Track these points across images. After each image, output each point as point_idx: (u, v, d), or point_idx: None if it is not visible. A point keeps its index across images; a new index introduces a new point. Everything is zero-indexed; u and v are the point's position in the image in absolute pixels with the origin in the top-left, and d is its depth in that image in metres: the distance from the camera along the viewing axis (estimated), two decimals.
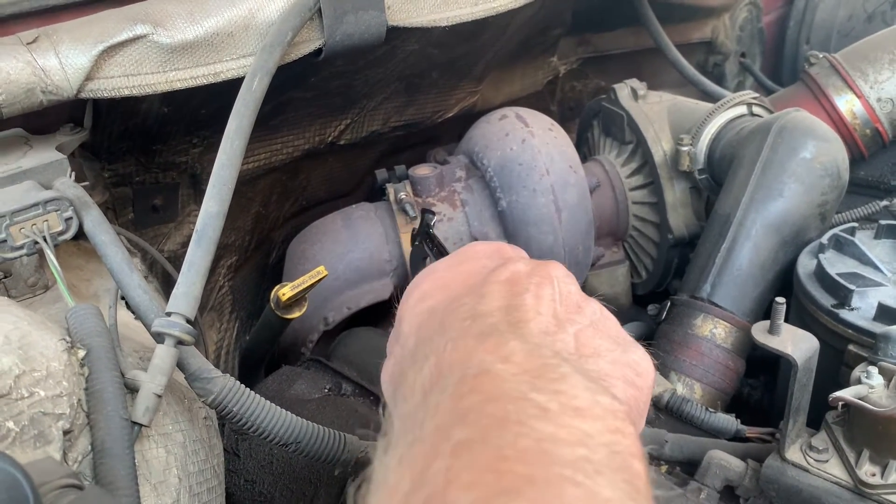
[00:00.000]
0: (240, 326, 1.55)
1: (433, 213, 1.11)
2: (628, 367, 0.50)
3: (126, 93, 0.87)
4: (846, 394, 0.80)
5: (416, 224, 1.35)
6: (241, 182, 1.30)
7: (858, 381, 0.84)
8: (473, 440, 0.35)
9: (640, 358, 0.51)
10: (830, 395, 0.81)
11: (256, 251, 1.58)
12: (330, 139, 1.41)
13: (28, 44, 0.82)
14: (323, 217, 1.47)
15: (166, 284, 1.30)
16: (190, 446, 0.84)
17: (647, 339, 1.24)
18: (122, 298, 0.96)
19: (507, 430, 0.35)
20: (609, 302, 1.66)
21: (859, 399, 0.80)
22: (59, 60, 0.83)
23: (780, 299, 0.85)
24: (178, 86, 0.90)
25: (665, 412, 1.06)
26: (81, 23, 0.86)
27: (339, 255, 1.40)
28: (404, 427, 0.40)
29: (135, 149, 1.16)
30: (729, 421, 1.04)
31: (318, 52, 0.99)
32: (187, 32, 0.88)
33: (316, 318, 1.40)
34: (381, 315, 1.51)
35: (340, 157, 1.53)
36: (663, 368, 1.14)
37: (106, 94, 0.87)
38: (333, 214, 1.46)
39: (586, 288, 1.54)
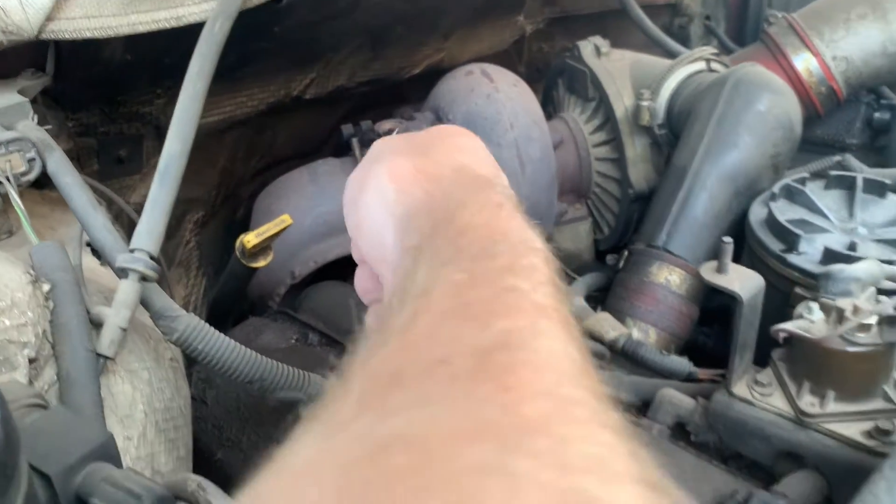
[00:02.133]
0: (207, 282, 1.56)
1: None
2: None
3: (87, 35, 0.87)
4: (787, 325, 0.84)
5: None
6: (207, 135, 1.31)
7: (800, 318, 0.88)
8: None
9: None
10: (772, 327, 0.85)
11: (223, 207, 1.59)
12: (295, 93, 1.42)
13: None
14: (289, 172, 1.48)
15: (131, 235, 1.31)
16: (156, 384, 0.86)
17: (606, 287, 1.27)
18: (88, 245, 0.98)
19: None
20: (572, 258, 1.70)
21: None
22: (20, 0, 0.83)
23: (727, 239, 0.89)
24: (140, 29, 0.90)
25: (620, 355, 1.10)
26: None
27: (306, 209, 1.41)
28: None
29: (99, 98, 1.16)
30: (682, 363, 1.08)
31: None
32: None
33: (283, 271, 1.41)
34: (348, 269, 1.52)
35: (307, 113, 1.54)
36: (619, 314, 1.17)
37: (67, 36, 0.87)
38: (300, 169, 1.47)
39: (550, 244, 1.56)
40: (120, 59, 1.06)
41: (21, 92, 0.93)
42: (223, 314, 1.36)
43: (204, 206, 1.48)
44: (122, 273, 0.78)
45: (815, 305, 0.87)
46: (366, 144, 1.42)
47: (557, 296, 0.41)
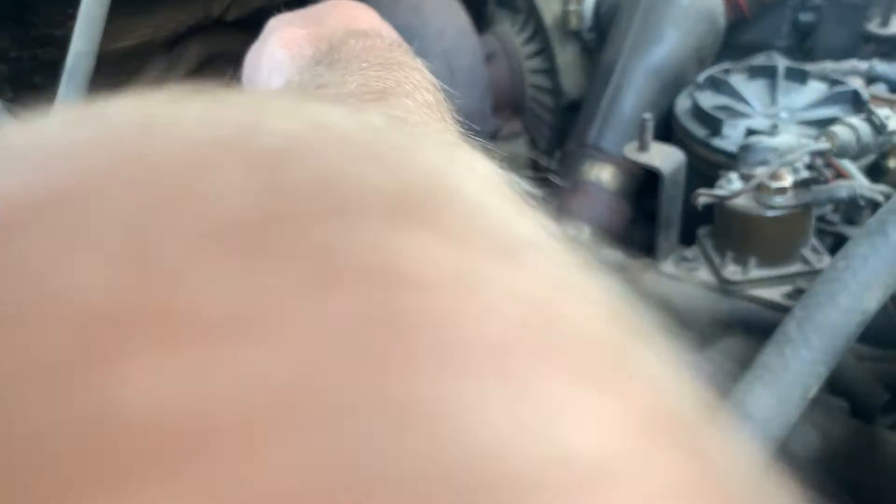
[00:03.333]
0: None
1: None
2: None
3: None
4: (707, 191, 0.85)
5: None
6: (124, 61, 1.27)
7: (721, 189, 0.89)
8: None
9: None
10: (693, 193, 0.86)
11: None
12: (216, 14, 1.38)
13: None
14: None
15: None
16: None
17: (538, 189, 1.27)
18: None
19: None
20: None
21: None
22: None
23: (647, 115, 0.90)
24: None
25: None
26: None
27: None
28: None
29: (7, 20, 1.11)
30: (615, 254, 1.09)
31: None
32: None
33: None
34: None
35: (230, 38, 1.50)
36: (555, 216, 1.18)
37: None
38: None
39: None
40: None
41: None
42: None
43: None
44: None
45: (734, 175, 0.88)
46: None
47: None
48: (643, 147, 0.90)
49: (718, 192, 0.85)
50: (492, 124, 1.51)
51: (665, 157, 0.89)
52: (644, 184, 1.17)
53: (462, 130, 0.52)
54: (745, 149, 0.92)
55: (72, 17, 1.19)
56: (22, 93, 1.21)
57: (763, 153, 0.90)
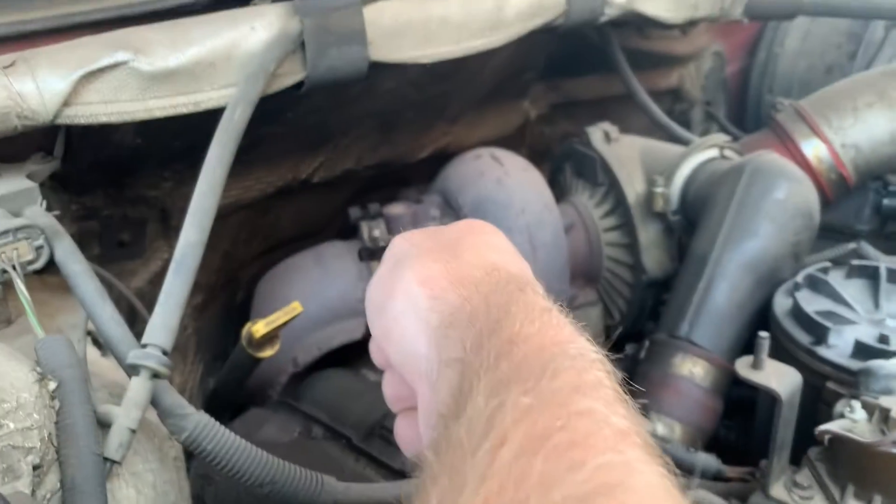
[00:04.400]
0: (204, 369, 1.50)
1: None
2: None
3: (104, 119, 0.85)
4: (832, 427, 0.80)
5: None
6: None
7: (841, 416, 0.84)
8: None
9: None
10: (816, 429, 0.81)
11: (223, 291, 1.55)
12: (304, 176, 1.40)
13: (4, 68, 0.80)
14: (293, 255, 1.44)
15: (131, 323, 1.26)
16: (160, 487, 0.81)
17: (625, 380, 1.23)
18: (89, 333, 0.93)
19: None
20: None
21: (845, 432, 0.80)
22: (37, 85, 0.80)
23: (764, 334, 0.86)
24: (158, 114, 0.88)
25: None
26: (60, 48, 0.84)
27: (311, 293, 1.38)
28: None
29: (105, 181, 1.13)
30: (710, 460, 1.03)
31: (299, 84, 0.99)
32: (168, 60, 0.87)
33: (284, 358, 1.36)
34: (351, 355, 1.48)
35: (312, 195, 1.52)
36: (642, 408, 1.13)
37: (83, 121, 0.85)
38: (305, 252, 1.44)
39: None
40: (130, 142, 1.04)
41: (29, 176, 0.90)
42: (222, 406, 1.31)
43: (203, 290, 1.44)
44: (132, 370, 0.73)
45: (856, 404, 0.83)
46: (374, 220, 1.39)
47: (631, 414, 0.41)
48: (758, 365, 0.86)
49: (842, 426, 0.80)
50: (567, 293, 1.48)
51: (782, 379, 0.84)
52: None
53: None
54: (866, 374, 0.87)
55: (167, 180, 1.21)
56: (108, 249, 1.22)
57: (886, 380, 0.85)
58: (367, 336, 1.41)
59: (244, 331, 1.09)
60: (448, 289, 0.52)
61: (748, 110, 2.16)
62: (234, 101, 0.87)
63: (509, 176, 1.38)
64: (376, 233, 1.37)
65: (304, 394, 1.34)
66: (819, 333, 1.02)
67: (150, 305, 1.32)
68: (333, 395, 1.31)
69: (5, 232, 0.79)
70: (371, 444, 1.15)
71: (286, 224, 1.55)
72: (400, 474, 1.08)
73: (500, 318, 0.46)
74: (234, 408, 1.36)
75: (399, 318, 0.53)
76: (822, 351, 1.00)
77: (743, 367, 0.87)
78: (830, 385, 0.98)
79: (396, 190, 1.63)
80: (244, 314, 1.61)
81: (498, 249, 0.58)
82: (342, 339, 1.39)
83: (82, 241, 1.17)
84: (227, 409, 1.33)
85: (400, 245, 0.60)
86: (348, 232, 1.51)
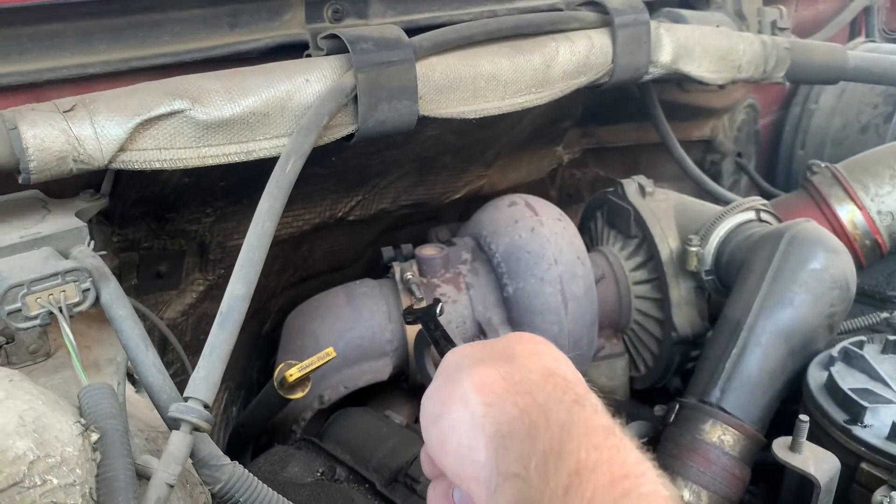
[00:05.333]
0: (228, 397, 1.51)
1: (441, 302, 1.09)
2: None
3: (157, 166, 0.86)
4: None
5: (422, 305, 1.34)
6: None
7: None
8: None
9: None
10: None
11: (251, 320, 1.55)
12: (340, 214, 1.41)
13: (65, 111, 0.81)
14: (324, 291, 1.45)
15: (163, 352, 1.27)
16: None
17: (653, 440, 1.22)
18: (130, 375, 0.94)
19: None
20: (606, 395, 1.65)
21: None
22: (95, 130, 0.81)
23: (804, 417, 0.85)
24: (210, 162, 0.89)
25: None
26: (119, 94, 0.85)
27: (340, 331, 1.38)
28: None
29: (147, 215, 1.14)
30: None
31: (349, 136, 1.00)
32: (224, 110, 0.88)
33: (311, 395, 1.36)
34: (375, 395, 1.48)
35: (345, 230, 1.53)
36: (670, 473, 1.12)
37: (136, 167, 0.86)
38: (336, 289, 1.44)
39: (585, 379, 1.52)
40: (177, 182, 1.05)
41: (78, 214, 0.91)
42: (246, 440, 1.31)
43: None
44: (173, 423, 0.73)
45: (895, 495, 0.82)
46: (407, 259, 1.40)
47: None
48: (796, 448, 0.85)
49: None
50: (595, 345, 1.48)
51: (820, 463, 0.84)
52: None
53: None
54: None
55: (209, 216, 1.22)
56: (146, 280, 1.23)
57: None
58: (393, 377, 1.42)
59: (276, 372, 1.10)
60: (503, 395, 0.52)
61: (779, 164, 2.16)
62: (286, 153, 0.87)
63: (543, 225, 1.38)
64: (408, 274, 1.38)
65: (328, 432, 1.34)
66: (854, 412, 1.01)
67: (182, 336, 1.34)
68: (358, 435, 1.30)
69: (55, 274, 0.80)
70: (395, 492, 1.14)
71: (317, 257, 1.56)
72: None
73: (563, 438, 0.46)
74: (256, 441, 1.36)
75: (456, 425, 0.53)
76: (857, 431, 0.99)
77: (781, 449, 0.86)
78: (865, 466, 0.97)
79: (426, 226, 1.64)
80: (270, 343, 1.62)
81: (551, 357, 0.58)
82: (368, 379, 1.39)
83: (121, 272, 1.18)
84: (250, 443, 1.34)
85: (453, 358, 0.61)
86: (378, 269, 1.51)
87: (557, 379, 0.52)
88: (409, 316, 0.82)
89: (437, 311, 0.87)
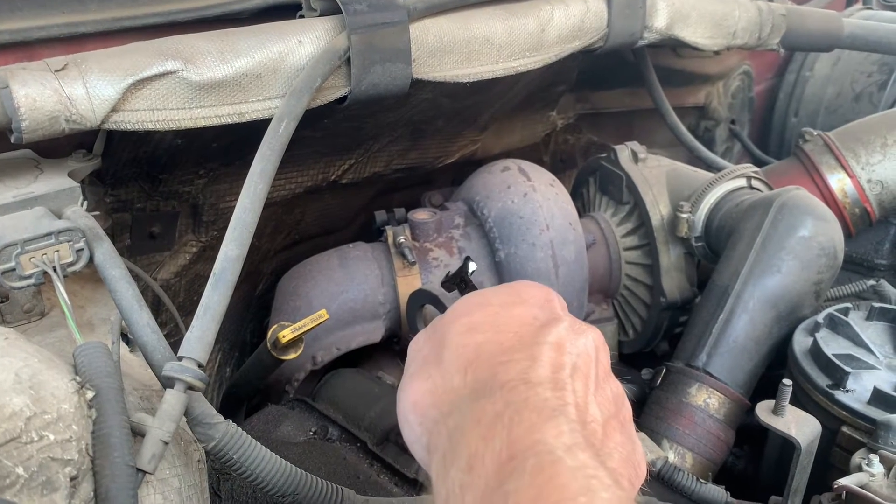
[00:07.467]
0: (222, 357, 1.52)
1: (472, 261, 1.09)
2: (633, 468, 0.57)
3: (150, 127, 0.86)
4: (849, 482, 0.81)
5: (417, 267, 1.35)
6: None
7: (858, 468, 0.85)
8: None
9: (641, 458, 0.59)
10: (834, 483, 0.82)
11: (244, 282, 1.56)
12: (333, 178, 1.41)
13: (56, 71, 0.81)
14: (317, 254, 1.46)
15: (156, 313, 1.28)
16: (185, 492, 0.82)
17: (640, 402, 1.24)
18: (124, 335, 0.94)
19: None
20: None
21: (860, 486, 0.82)
22: (87, 90, 0.81)
23: (787, 381, 0.87)
24: (203, 123, 0.89)
25: (657, 480, 1.06)
26: (111, 53, 0.85)
27: (333, 294, 1.39)
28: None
29: (140, 176, 1.14)
30: (719, 493, 1.04)
31: (342, 98, 0.99)
32: (216, 71, 0.87)
33: (304, 356, 1.38)
34: (367, 356, 1.49)
35: (337, 194, 1.53)
36: (655, 435, 1.14)
37: (129, 127, 0.85)
38: (329, 252, 1.45)
39: None
40: (170, 142, 1.05)
41: (71, 175, 0.91)
42: (239, 400, 1.33)
43: None
44: (168, 382, 0.74)
45: (874, 458, 0.84)
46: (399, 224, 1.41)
47: None
48: (778, 411, 0.87)
49: (859, 479, 0.81)
50: (585, 309, 1.49)
51: (802, 427, 0.86)
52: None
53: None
54: (885, 427, 0.88)
55: (201, 177, 1.22)
56: (139, 240, 1.23)
57: None
58: (385, 339, 1.44)
59: (270, 334, 1.11)
60: (429, 410, 0.61)
61: (772, 131, 2.16)
62: (279, 115, 0.87)
63: (536, 191, 1.39)
64: (401, 238, 1.38)
65: (321, 392, 1.35)
66: (837, 377, 1.03)
67: (176, 296, 1.35)
68: (350, 396, 1.32)
69: (49, 234, 0.80)
70: (386, 451, 1.16)
71: (310, 221, 1.57)
72: (413, 483, 1.10)
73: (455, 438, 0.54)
74: (250, 400, 1.38)
75: (413, 435, 0.63)
76: (839, 395, 1.01)
77: (763, 411, 0.88)
78: (846, 430, 0.99)
79: (419, 190, 1.64)
80: (263, 305, 1.63)
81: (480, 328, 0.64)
82: (361, 341, 1.40)
83: (114, 232, 1.19)
84: (243, 403, 1.35)
85: (410, 350, 0.70)
86: (371, 233, 1.52)
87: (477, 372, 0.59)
88: (449, 283, 0.87)
89: (469, 271, 0.89)
